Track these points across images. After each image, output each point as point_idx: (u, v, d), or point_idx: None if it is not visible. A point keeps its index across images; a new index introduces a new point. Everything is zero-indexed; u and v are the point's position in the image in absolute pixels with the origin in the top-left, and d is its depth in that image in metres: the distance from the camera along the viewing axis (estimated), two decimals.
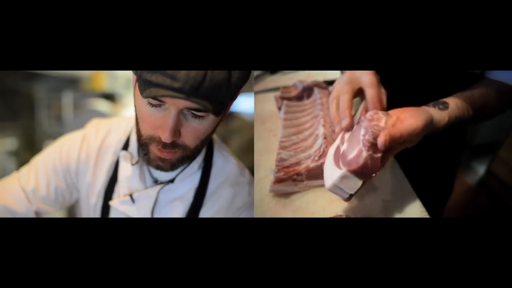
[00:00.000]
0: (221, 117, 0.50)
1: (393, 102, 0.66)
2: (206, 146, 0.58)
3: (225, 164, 0.61)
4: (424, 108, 0.61)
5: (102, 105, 2.19)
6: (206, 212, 0.58)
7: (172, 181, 0.56)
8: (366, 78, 0.63)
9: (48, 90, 2.53)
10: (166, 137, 0.45)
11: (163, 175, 0.57)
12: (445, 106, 0.62)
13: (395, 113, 0.58)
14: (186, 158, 0.51)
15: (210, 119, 0.48)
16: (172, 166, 0.50)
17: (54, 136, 2.40)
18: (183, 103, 0.44)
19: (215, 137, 0.62)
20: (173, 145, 0.47)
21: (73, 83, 2.56)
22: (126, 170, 0.56)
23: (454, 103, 0.63)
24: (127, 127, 0.62)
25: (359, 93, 0.66)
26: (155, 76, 0.42)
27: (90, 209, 0.61)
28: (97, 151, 0.60)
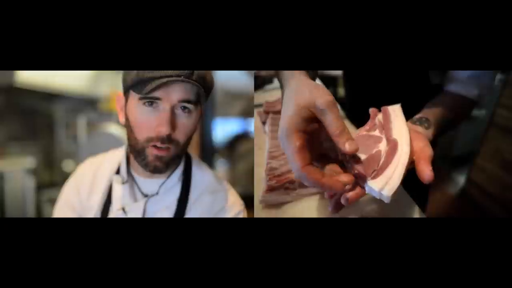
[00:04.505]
0: (201, 113, 0.58)
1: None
2: (185, 162, 0.65)
3: (203, 176, 0.65)
4: (419, 131, 0.59)
5: (115, 128, 2.14)
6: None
7: (157, 193, 0.62)
8: (321, 101, 0.47)
9: (67, 110, 2.58)
10: (165, 130, 0.52)
11: (149, 190, 0.62)
12: (429, 124, 0.62)
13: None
14: (177, 157, 0.57)
15: (195, 114, 0.55)
16: (167, 165, 0.56)
17: (72, 155, 2.42)
18: (176, 96, 0.52)
19: (194, 154, 0.69)
20: (169, 139, 0.53)
21: (92, 104, 2.61)
22: (118, 191, 0.62)
23: (433, 119, 0.63)
24: (119, 156, 0.67)
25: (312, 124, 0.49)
26: (156, 73, 0.50)
27: None
28: (93, 178, 0.66)
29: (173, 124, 0.53)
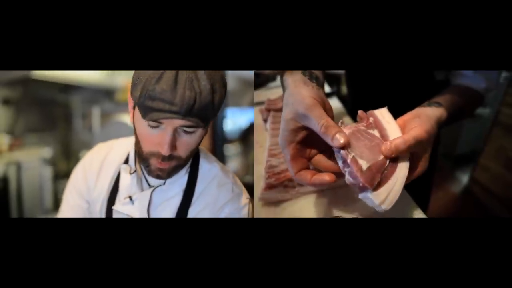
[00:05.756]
0: (206, 130, 0.57)
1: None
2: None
3: (210, 168, 0.65)
4: (422, 113, 0.57)
5: (129, 118, 2.16)
6: (195, 209, 0.62)
7: (163, 183, 0.62)
8: (301, 108, 0.51)
9: (84, 101, 2.60)
10: (165, 151, 0.52)
11: (156, 181, 0.62)
12: (439, 104, 0.60)
13: (404, 132, 0.54)
14: (179, 167, 0.57)
15: (198, 133, 0.55)
16: (168, 174, 0.57)
17: (89, 145, 2.48)
18: (178, 122, 0.51)
19: (202, 147, 0.68)
20: (170, 157, 0.54)
21: (108, 94, 2.62)
22: (126, 180, 0.62)
23: (444, 102, 0.61)
24: (128, 145, 0.67)
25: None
26: (155, 103, 0.49)
27: (96, 214, 0.67)
28: (101, 165, 0.67)
29: (173, 144, 0.53)
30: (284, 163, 0.64)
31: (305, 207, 0.60)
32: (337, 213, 0.57)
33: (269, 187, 0.58)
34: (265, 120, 0.86)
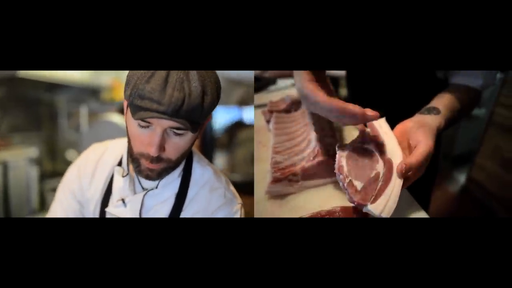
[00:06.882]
0: (197, 134, 0.59)
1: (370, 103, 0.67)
2: (186, 158, 0.66)
3: (203, 172, 0.67)
4: (425, 123, 0.62)
5: (117, 117, 2.17)
6: (186, 214, 0.64)
7: (156, 187, 0.63)
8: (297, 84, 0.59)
9: (69, 100, 2.61)
10: (153, 151, 0.53)
11: (149, 184, 0.64)
12: (438, 111, 0.65)
13: (404, 139, 0.60)
14: (170, 169, 0.59)
15: (188, 136, 0.56)
16: (158, 175, 0.58)
17: (75, 145, 2.44)
18: (166, 123, 0.52)
19: (196, 150, 0.69)
20: (158, 159, 0.55)
21: (94, 94, 2.63)
22: (119, 182, 0.64)
23: (442, 107, 0.66)
24: (122, 147, 0.68)
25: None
26: (144, 102, 0.50)
27: (90, 214, 0.68)
28: (95, 166, 0.68)
29: (162, 146, 0.54)
30: (288, 160, 0.70)
31: (308, 199, 0.65)
32: (338, 205, 0.62)
33: (275, 180, 0.64)
34: (268, 121, 0.91)
